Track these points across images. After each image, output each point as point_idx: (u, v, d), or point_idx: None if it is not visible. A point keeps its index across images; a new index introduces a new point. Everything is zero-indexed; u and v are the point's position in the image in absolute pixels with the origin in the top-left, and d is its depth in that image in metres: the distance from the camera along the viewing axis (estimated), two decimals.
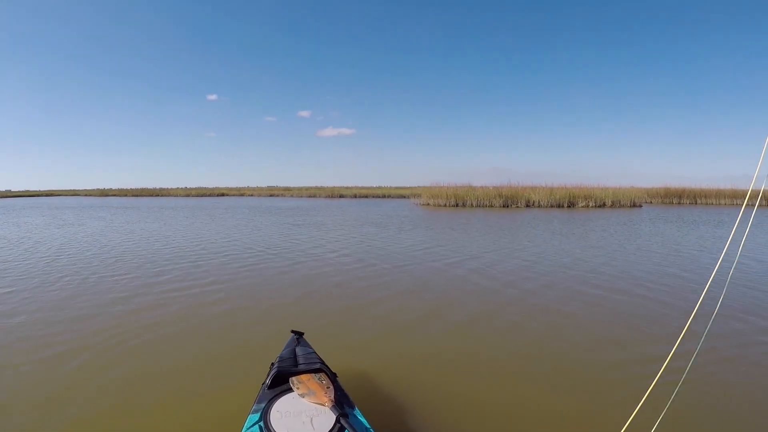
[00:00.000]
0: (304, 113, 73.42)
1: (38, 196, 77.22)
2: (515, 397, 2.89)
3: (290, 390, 2.21)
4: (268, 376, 2.35)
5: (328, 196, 46.30)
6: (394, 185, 58.05)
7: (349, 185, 60.20)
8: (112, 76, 76.63)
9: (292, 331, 2.97)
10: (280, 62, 72.33)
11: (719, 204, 31.48)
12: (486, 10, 66.19)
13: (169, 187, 68.00)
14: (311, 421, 1.99)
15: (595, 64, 69.00)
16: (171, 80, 76.62)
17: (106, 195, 66.59)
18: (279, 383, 2.27)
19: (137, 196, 60.64)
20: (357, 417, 2.09)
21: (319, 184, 67.29)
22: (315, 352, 2.65)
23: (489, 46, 70.50)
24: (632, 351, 3.68)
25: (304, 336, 2.97)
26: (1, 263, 7.69)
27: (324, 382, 2.25)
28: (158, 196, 59.21)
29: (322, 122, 75.84)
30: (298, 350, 2.64)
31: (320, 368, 2.38)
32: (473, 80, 75.63)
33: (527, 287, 5.87)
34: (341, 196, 45.87)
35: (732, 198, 32.22)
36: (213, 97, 73.39)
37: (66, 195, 77.40)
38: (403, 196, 43.12)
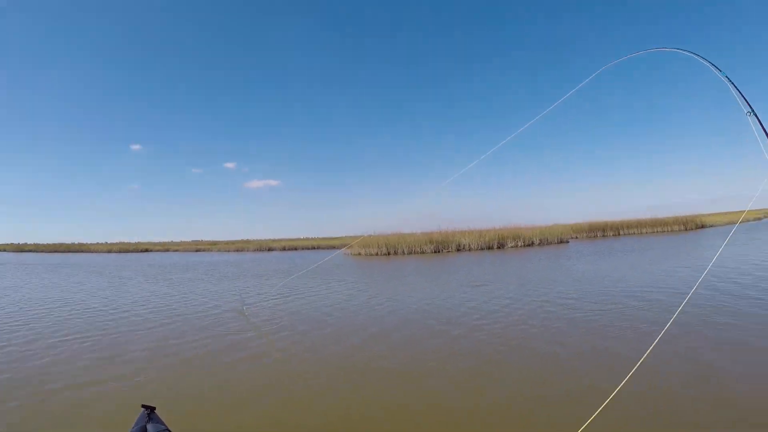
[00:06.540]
0: (230, 165, 71.50)
1: None
2: None
3: None
4: None
5: (256, 249, 44.24)
6: (322, 236, 56.47)
7: (278, 237, 57.65)
8: (24, 119, 69.71)
9: (143, 406, 2.73)
10: (204, 113, 69.45)
11: (641, 233, 33.65)
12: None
13: (89, 242, 63.96)
14: None
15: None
16: (92, 130, 71.02)
17: (22, 251, 62.48)
18: None
19: (54, 252, 56.76)
20: None
21: (246, 237, 64.49)
22: (168, 429, 2.48)
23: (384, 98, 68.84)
24: None
25: (155, 411, 2.75)
26: None
27: None
28: (77, 252, 55.36)
29: (248, 174, 73.49)
30: (150, 428, 2.47)
31: None
32: (385, 133, 74.47)
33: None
34: (270, 249, 43.86)
35: (652, 227, 34.60)
36: (137, 147, 69.23)
37: None
38: (333, 247, 38.21)
